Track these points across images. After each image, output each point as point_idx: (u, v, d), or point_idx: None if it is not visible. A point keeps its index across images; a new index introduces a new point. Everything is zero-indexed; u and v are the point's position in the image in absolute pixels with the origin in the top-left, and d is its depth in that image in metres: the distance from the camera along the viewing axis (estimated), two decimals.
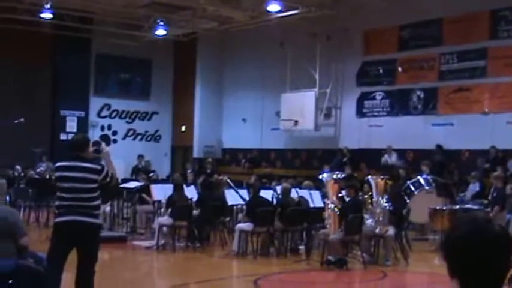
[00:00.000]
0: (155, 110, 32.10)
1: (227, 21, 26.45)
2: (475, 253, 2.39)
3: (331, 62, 24.75)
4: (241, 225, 14.70)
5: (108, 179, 7.81)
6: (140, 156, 26.14)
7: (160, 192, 16.41)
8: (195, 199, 16.05)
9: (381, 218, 13.74)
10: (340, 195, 14.22)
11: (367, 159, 23.51)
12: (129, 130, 31.56)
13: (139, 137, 31.83)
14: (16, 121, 22.98)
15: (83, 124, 29.92)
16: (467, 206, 16.56)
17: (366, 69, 24.62)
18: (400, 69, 23.59)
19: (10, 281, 7.56)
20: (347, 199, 14.05)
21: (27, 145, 26.52)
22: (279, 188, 16.18)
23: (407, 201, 17.14)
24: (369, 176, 15.20)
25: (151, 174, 22.73)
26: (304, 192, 15.47)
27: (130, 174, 24.39)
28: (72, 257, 7.77)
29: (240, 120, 29.15)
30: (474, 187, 18.76)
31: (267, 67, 27.18)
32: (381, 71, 24.17)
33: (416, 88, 23.04)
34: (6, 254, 7.57)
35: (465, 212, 15.00)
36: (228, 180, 18.44)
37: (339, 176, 14.73)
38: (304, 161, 26.79)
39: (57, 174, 8.06)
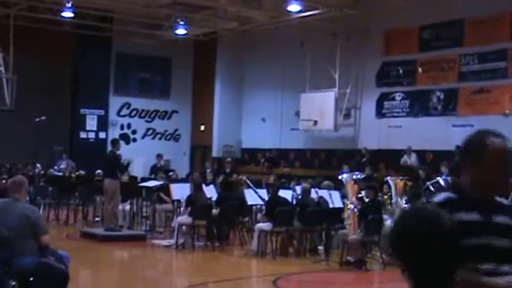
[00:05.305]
0: (175, 109, 32.17)
1: (248, 21, 26.46)
2: (418, 247, 2.40)
3: (351, 62, 24.64)
4: (261, 225, 14.71)
5: None
6: (159, 156, 26.15)
7: (180, 191, 16.46)
8: (214, 198, 16.09)
9: None
10: (359, 195, 14.23)
11: (386, 160, 23.43)
12: (148, 129, 31.64)
13: (159, 136, 31.90)
14: (37, 119, 23.09)
15: (103, 123, 30.07)
16: None
17: (386, 69, 24.52)
18: (420, 70, 23.48)
19: (31, 279, 7.62)
20: (366, 200, 14.05)
21: (48, 143, 26.65)
22: (298, 188, 16.17)
23: None
24: (388, 177, 15.16)
25: (170, 173, 22.79)
26: (323, 193, 15.44)
27: (149, 173, 24.47)
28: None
29: (259, 120, 29.12)
30: None
31: (287, 67, 27.14)
32: (401, 71, 24.07)
33: (436, 89, 22.93)
34: (27, 251, 7.62)
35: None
36: (247, 180, 18.44)
37: (358, 176, 14.73)
38: (324, 161, 26.72)
39: None
